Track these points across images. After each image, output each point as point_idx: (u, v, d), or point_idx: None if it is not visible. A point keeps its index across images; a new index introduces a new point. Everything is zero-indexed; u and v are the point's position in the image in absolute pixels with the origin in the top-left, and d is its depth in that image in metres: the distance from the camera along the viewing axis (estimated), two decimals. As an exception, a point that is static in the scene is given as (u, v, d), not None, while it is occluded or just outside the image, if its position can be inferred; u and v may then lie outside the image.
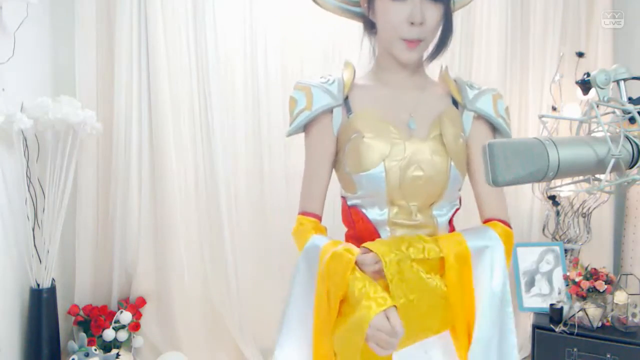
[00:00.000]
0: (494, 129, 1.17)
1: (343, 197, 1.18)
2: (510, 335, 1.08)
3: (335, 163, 1.17)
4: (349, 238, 1.17)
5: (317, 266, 1.07)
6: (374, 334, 0.95)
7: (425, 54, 1.16)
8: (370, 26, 1.16)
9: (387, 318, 0.95)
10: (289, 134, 1.17)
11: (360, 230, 1.13)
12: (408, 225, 1.09)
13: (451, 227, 1.16)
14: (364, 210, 1.11)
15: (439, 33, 1.11)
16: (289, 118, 1.17)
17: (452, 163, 1.08)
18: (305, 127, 1.16)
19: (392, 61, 1.14)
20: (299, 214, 1.18)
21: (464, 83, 1.18)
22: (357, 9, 1.19)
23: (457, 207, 1.16)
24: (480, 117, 1.15)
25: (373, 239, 1.09)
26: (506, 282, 1.07)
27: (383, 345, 0.95)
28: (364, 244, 1.05)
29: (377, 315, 0.95)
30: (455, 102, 1.16)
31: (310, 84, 1.15)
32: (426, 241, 1.05)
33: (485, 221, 1.15)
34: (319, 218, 1.18)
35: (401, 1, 1.05)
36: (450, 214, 1.14)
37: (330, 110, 1.13)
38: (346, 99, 1.14)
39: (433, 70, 1.24)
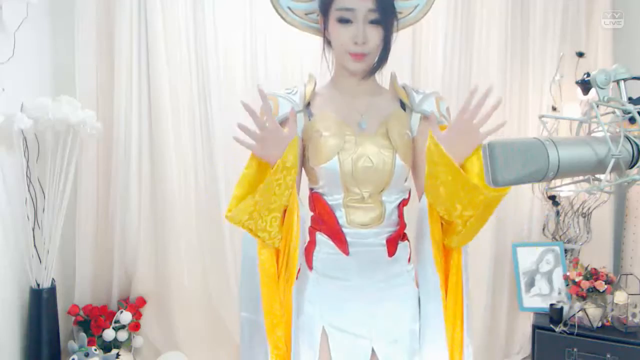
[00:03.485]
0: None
1: (310, 188, 1.37)
2: None
3: (303, 160, 1.34)
4: (313, 219, 1.36)
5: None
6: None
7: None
8: (328, 42, 1.34)
9: None
10: None
11: (320, 212, 1.31)
12: (359, 207, 1.28)
13: (400, 213, 1.32)
14: (324, 197, 1.30)
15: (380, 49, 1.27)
16: None
17: (397, 155, 1.26)
18: None
19: (344, 71, 1.32)
20: None
21: (410, 89, 1.36)
22: (318, 26, 1.37)
23: (405, 198, 1.33)
24: (425, 117, 1.33)
25: (330, 219, 1.29)
26: None
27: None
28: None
29: None
30: (402, 105, 1.35)
31: (278, 95, 1.33)
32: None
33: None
34: None
35: (347, 24, 1.23)
36: (397, 202, 1.31)
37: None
38: (308, 105, 1.33)
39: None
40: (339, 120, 1.28)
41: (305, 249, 1.35)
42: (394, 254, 1.30)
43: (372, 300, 1.29)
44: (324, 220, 1.30)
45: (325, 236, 1.31)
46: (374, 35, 1.24)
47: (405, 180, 1.34)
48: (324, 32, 1.33)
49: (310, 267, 1.33)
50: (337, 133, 1.26)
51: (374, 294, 1.29)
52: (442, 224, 1.26)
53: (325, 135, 1.26)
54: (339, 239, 1.28)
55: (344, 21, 1.24)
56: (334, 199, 1.29)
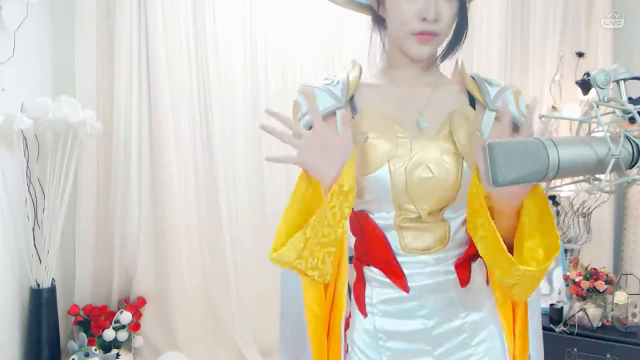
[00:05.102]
0: (515, 127, 1.04)
1: None
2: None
3: None
4: (358, 247, 1.10)
5: None
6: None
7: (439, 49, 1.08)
8: (380, 21, 1.07)
9: None
10: None
11: (368, 236, 1.05)
12: (416, 228, 1.01)
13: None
14: (371, 215, 1.03)
15: (452, 29, 1.02)
16: None
17: (464, 163, 0.98)
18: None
19: (402, 58, 1.04)
20: None
21: (482, 80, 1.08)
22: (365, 2, 1.09)
23: None
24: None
25: (381, 245, 1.02)
26: None
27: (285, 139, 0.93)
28: None
29: None
30: (471, 100, 1.07)
31: (314, 86, 1.05)
32: None
33: None
34: None
35: None
36: (464, 217, 1.02)
37: (333, 113, 1.03)
38: (352, 98, 1.05)
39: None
40: (390, 118, 1.01)
41: (354, 288, 1.08)
42: (468, 282, 1.03)
43: (448, 351, 1.03)
44: (372, 246, 1.04)
45: (377, 270, 1.04)
46: (448, 10, 0.97)
47: None
48: (377, 8, 1.04)
49: (364, 313, 1.06)
50: (388, 135, 0.99)
51: (449, 341, 1.03)
52: None
53: (372, 137, 0.99)
54: (393, 271, 1.01)
55: None
56: (382, 217, 1.02)
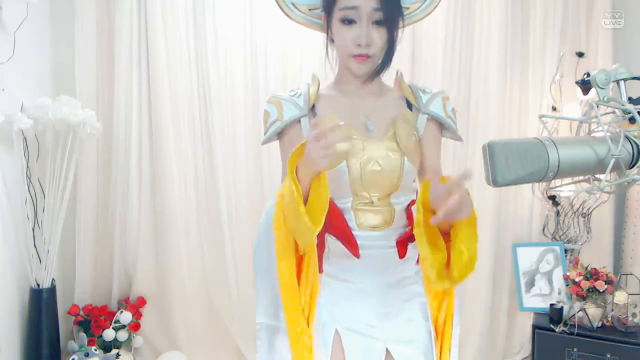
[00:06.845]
0: (443, 127, 1.36)
1: None
2: None
3: None
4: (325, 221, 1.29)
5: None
6: (310, 143, 1.04)
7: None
8: (331, 40, 1.31)
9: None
10: (264, 142, 1.36)
11: (329, 215, 1.21)
12: (369, 210, 1.27)
13: (409, 214, 1.30)
14: (334, 200, 1.26)
15: (384, 51, 1.25)
16: (263, 128, 1.33)
17: (405, 158, 1.25)
18: (279, 135, 1.34)
19: (348, 73, 1.30)
20: None
21: (417, 89, 1.35)
22: (321, 22, 1.34)
23: (414, 199, 1.31)
24: (432, 118, 1.32)
25: (341, 222, 1.26)
26: None
27: (321, 142, 1.02)
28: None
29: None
30: (409, 104, 1.33)
31: (281, 98, 1.31)
32: None
33: None
34: None
35: (350, 25, 1.21)
36: (406, 203, 1.30)
37: (298, 120, 1.30)
38: (313, 107, 1.31)
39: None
40: (345, 124, 1.24)
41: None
42: (404, 255, 1.29)
43: (384, 302, 1.28)
44: (333, 223, 1.26)
45: (335, 238, 1.28)
46: (378, 36, 1.22)
47: (414, 181, 1.32)
48: (327, 30, 1.30)
49: (320, 270, 1.30)
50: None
51: (385, 295, 1.29)
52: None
53: None
54: (350, 241, 1.26)
55: (347, 22, 1.21)
56: (342, 202, 1.27)
